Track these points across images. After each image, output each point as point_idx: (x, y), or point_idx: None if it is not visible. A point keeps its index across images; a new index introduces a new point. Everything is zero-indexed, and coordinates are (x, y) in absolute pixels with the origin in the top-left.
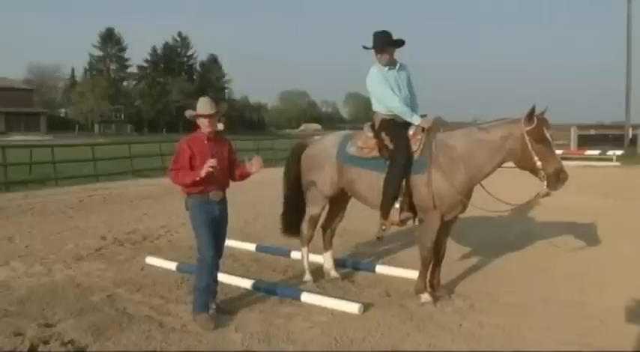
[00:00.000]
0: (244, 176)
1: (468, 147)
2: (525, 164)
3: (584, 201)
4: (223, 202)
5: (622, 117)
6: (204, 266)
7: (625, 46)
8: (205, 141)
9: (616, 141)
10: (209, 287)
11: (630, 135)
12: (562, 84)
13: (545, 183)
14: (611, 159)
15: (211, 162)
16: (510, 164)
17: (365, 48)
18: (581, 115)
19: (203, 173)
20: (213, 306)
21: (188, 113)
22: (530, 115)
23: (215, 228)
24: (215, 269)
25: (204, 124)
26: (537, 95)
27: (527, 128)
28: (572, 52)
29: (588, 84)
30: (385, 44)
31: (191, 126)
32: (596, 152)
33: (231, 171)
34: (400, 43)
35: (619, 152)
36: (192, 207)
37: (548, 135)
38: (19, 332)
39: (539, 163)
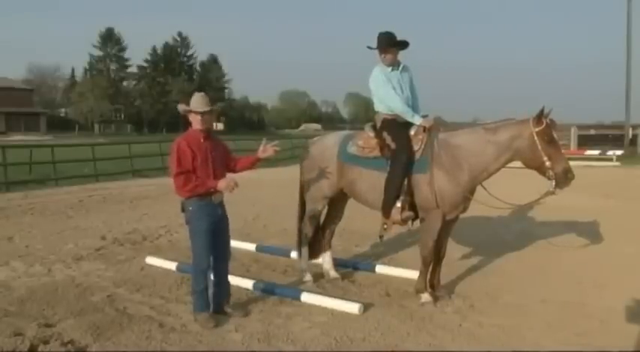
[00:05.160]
0: (245, 166)
1: (474, 146)
2: (534, 163)
3: (584, 201)
4: (222, 203)
5: (622, 117)
6: (200, 272)
7: (625, 46)
8: (202, 140)
9: (616, 141)
10: (207, 289)
11: (630, 135)
12: (562, 84)
13: (553, 182)
14: (611, 159)
15: (232, 181)
16: (511, 164)
17: (369, 48)
18: (581, 115)
19: (223, 186)
20: (229, 309)
21: (181, 107)
22: (540, 117)
23: (218, 229)
24: (222, 271)
25: (196, 121)
26: (537, 95)
27: (537, 129)
28: (572, 51)
29: (588, 84)
30: (389, 45)
31: (191, 125)
32: (596, 152)
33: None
34: (404, 44)
35: (619, 152)
36: (193, 212)
37: (555, 136)
38: (19, 332)
39: (548, 163)
